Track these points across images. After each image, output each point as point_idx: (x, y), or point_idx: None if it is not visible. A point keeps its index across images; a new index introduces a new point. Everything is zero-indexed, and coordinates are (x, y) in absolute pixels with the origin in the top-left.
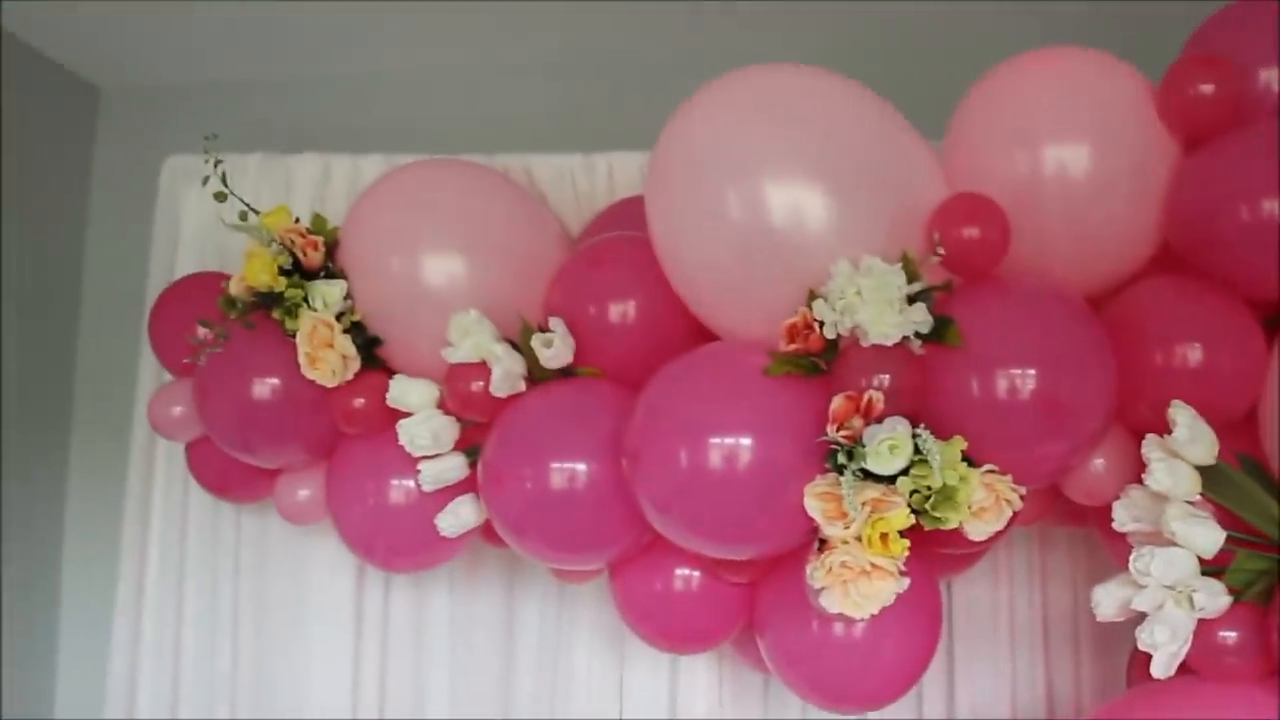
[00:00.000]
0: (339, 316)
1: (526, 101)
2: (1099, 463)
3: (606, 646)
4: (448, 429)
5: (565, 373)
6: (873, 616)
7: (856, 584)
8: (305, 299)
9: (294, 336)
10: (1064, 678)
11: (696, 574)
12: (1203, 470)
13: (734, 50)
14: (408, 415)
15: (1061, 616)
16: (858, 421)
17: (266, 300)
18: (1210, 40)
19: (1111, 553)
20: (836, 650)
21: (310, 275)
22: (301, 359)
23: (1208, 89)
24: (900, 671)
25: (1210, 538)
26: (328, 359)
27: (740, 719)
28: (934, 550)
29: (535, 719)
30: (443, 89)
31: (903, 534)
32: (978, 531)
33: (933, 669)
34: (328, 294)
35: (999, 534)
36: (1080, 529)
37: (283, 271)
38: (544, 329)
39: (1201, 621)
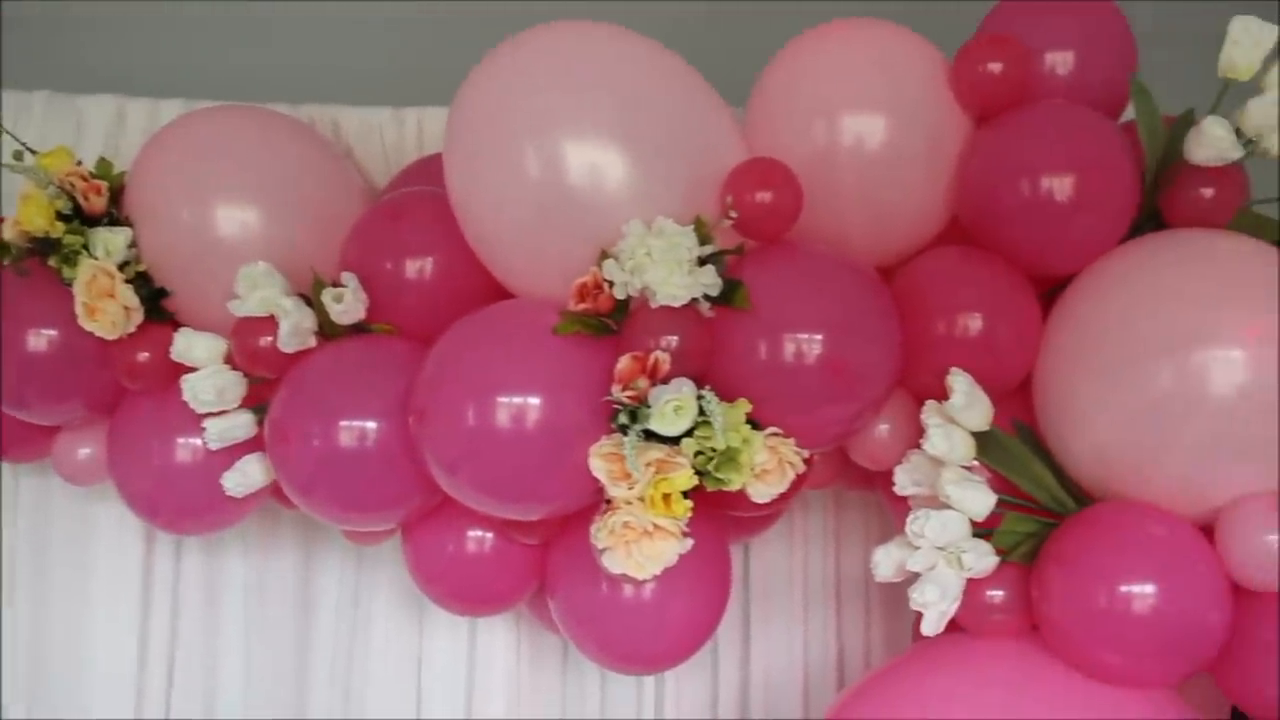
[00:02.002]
0: (123, 266)
1: (336, 52)
2: (883, 428)
3: (406, 610)
4: (234, 385)
5: (359, 329)
6: (662, 578)
7: (639, 544)
8: (85, 246)
9: (72, 285)
10: (855, 637)
11: (489, 535)
12: (978, 436)
13: (545, 8)
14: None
15: (854, 578)
16: (643, 382)
17: (43, 246)
18: (1003, 21)
19: (895, 516)
20: (625, 611)
21: (92, 221)
22: (79, 309)
23: (996, 67)
24: (689, 633)
25: (982, 501)
26: (108, 310)
27: (539, 682)
28: (724, 513)
29: (332, 683)
30: (251, 35)
31: (691, 496)
32: (760, 494)
33: (728, 629)
34: (110, 242)
35: (787, 496)
36: (873, 493)
37: (61, 216)
38: (338, 284)
39: (972, 581)
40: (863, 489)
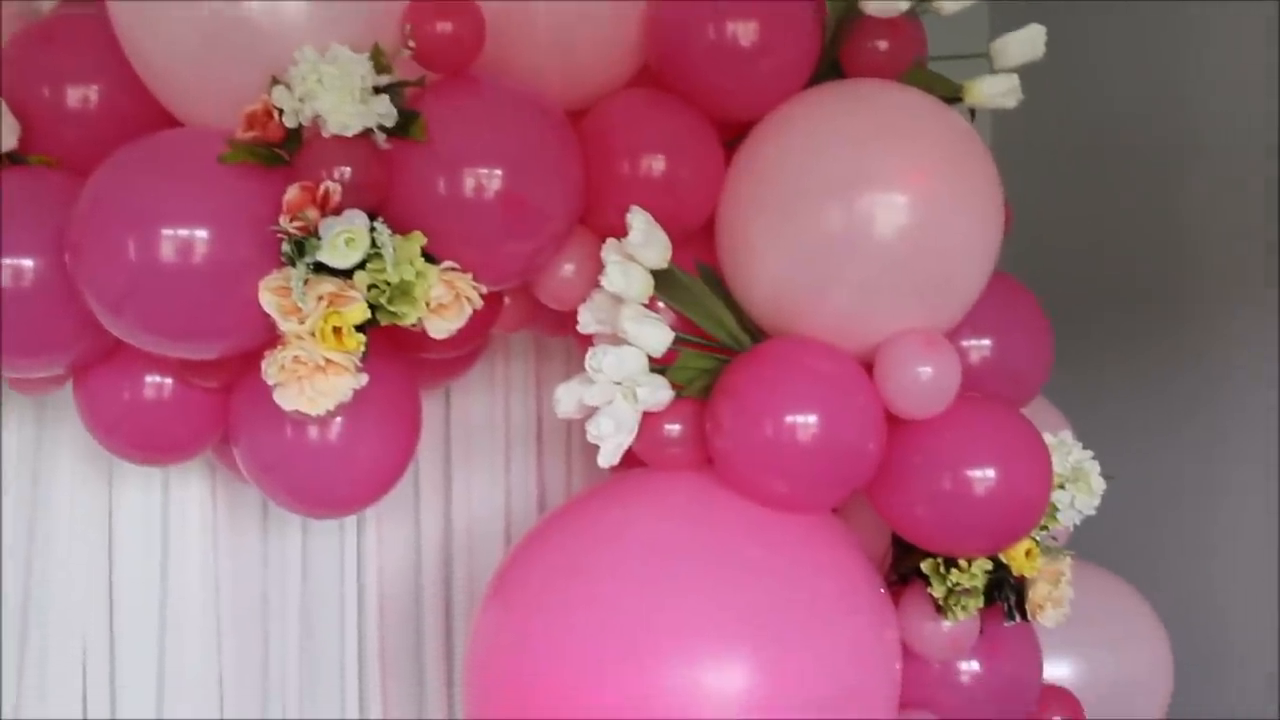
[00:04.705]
0: None
1: None
2: (568, 268)
3: (94, 464)
4: None
5: (13, 160)
6: (346, 418)
7: (311, 380)
8: None
9: None
10: (556, 481)
11: (166, 380)
12: (659, 275)
13: None
14: None
15: (555, 423)
16: (313, 213)
17: None
18: None
19: (584, 356)
20: (309, 454)
21: None
22: None
23: None
24: (377, 474)
25: (659, 337)
26: None
27: (238, 534)
28: (412, 354)
29: (13, 545)
30: None
31: (373, 335)
32: (438, 329)
33: (430, 475)
34: None
35: (469, 335)
36: None
37: None
38: None
39: (650, 415)
40: (555, 333)
